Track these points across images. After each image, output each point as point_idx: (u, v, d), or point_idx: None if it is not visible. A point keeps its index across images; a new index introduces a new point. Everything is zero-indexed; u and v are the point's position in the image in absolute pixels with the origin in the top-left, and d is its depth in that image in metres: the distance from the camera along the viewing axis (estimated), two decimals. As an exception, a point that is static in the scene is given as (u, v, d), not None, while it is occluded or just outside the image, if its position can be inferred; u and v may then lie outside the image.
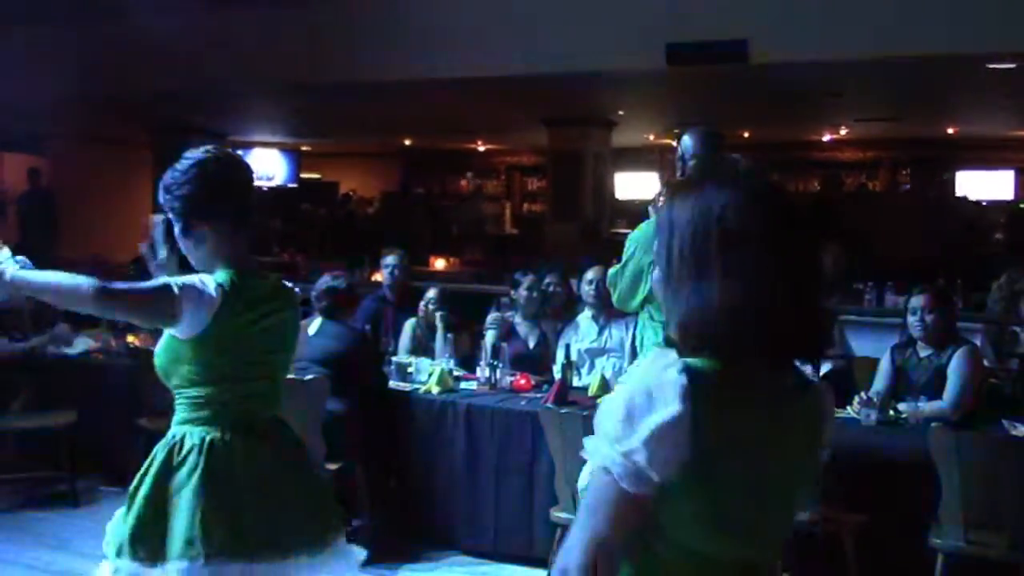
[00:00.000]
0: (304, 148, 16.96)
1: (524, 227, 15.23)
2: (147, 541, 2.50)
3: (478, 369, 5.57)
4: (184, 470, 2.52)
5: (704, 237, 1.47)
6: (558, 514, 4.29)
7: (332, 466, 4.85)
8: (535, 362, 5.88)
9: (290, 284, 2.80)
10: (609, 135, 11.94)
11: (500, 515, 5.01)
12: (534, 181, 16.41)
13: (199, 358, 2.53)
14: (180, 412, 2.60)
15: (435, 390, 5.26)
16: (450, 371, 5.47)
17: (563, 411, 4.30)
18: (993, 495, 3.84)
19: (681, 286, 1.48)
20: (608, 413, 1.44)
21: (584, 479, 1.57)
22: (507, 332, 6.07)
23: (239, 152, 13.53)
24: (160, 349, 2.60)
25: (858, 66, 7.88)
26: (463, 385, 5.48)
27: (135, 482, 2.58)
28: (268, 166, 15.75)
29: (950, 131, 12.43)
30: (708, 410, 1.41)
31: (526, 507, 4.93)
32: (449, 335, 5.78)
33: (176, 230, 2.64)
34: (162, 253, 2.79)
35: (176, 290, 2.46)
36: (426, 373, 5.48)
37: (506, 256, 12.24)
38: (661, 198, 3.89)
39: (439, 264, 11.55)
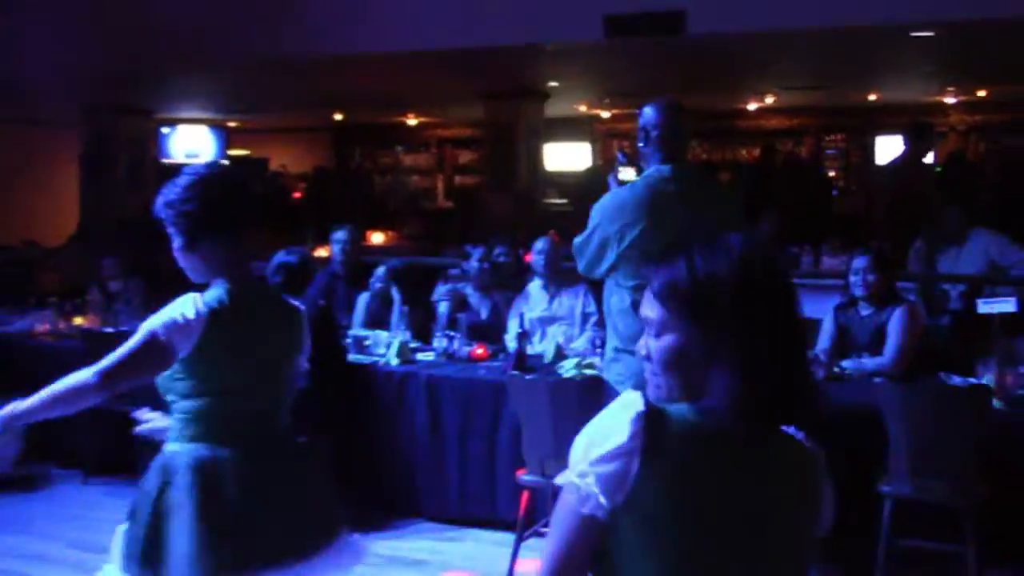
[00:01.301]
0: (231, 124, 16.73)
1: (458, 200, 15.29)
2: (149, 561, 2.55)
3: (434, 340, 5.68)
4: (177, 490, 2.56)
5: (747, 315, 1.52)
6: (525, 477, 4.42)
7: (296, 440, 4.91)
8: (488, 332, 6.00)
9: (295, 303, 2.85)
10: (542, 107, 12.04)
11: (464, 481, 5.14)
12: (466, 154, 16.45)
13: (194, 373, 2.57)
14: (174, 428, 2.64)
15: (394, 362, 5.36)
16: (407, 343, 5.56)
17: (528, 377, 4.43)
18: (935, 443, 4.07)
19: (722, 363, 1.52)
20: (575, 442, 1.55)
21: None
22: (460, 303, 6.18)
23: (168, 130, 13.26)
24: None
25: (789, 37, 8.09)
26: (420, 356, 5.58)
27: (135, 500, 2.63)
28: (195, 143, 15.52)
29: (872, 98, 12.80)
30: (661, 451, 1.49)
31: (489, 473, 5.07)
32: (404, 308, 5.86)
33: (177, 245, 2.65)
34: None
35: (163, 336, 2.50)
36: (384, 345, 5.57)
37: (443, 229, 12.31)
38: (620, 168, 4.02)
39: (377, 239, 11.57)
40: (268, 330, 2.71)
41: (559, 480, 1.55)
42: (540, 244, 5.98)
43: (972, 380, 4.55)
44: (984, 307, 4.71)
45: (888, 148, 13.03)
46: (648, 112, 3.66)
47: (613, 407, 1.55)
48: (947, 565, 4.25)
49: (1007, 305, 4.60)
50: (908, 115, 13.03)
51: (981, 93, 12.40)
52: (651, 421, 1.50)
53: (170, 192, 2.63)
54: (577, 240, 3.80)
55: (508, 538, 4.62)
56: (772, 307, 1.55)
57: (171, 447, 2.63)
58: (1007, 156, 12.81)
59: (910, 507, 4.19)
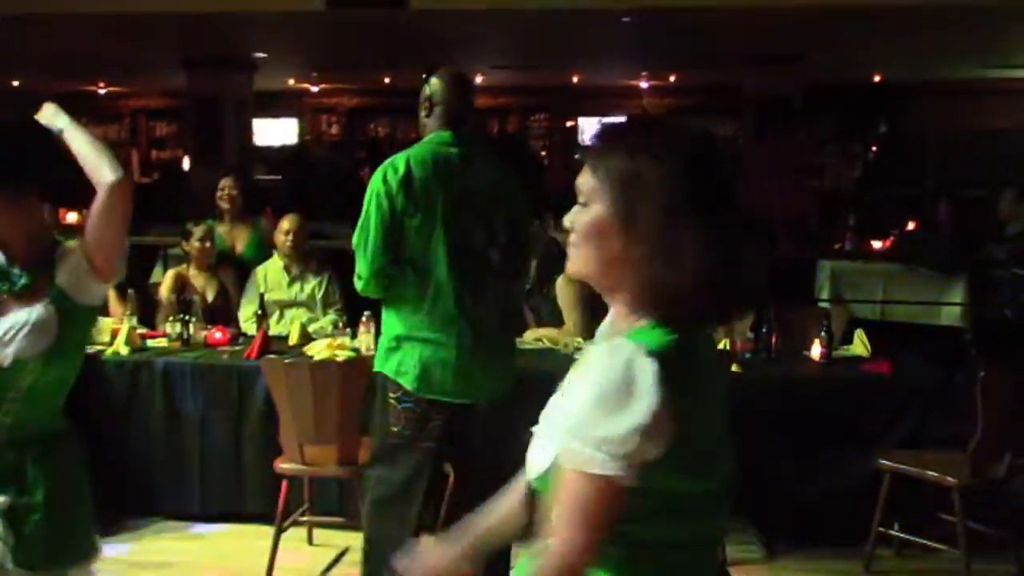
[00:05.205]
0: None
1: (157, 175, 14.39)
2: None
3: (166, 326, 5.27)
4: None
5: (679, 200, 1.45)
6: (283, 465, 4.21)
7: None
8: (217, 315, 5.65)
9: None
10: (251, 78, 11.56)
11: (206, 474, 4.81)
12: (163, 126, 15.50)
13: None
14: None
15: (124, 350, 4.91)
16: (135, 328, 5.12)
17: (287, 360, 4.22)
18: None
19: (643, 247, 1.46)
20: (583, 414, 1.42)
21: (536, 471, 1.55)
22: (182, 286, 5.78)
23: None
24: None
25: (509, 15, 8.26)
26: (151, 343, 5.16)
27: None
28: None
29: (575, 79, 13.34)
30: (678, 387, 1.41)
31: (235, 464, 4.79)
32: (130, 291, 5.38)
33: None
34: None
35: None
36: (108, 333, 5.10)
37: (143, 206, 11.51)
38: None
39: (71, 217, 10.60)
40: None
41: (568, 462, 1.42)
42: (287, 223, 5.67)
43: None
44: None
45: (590, 129, 13.71)
46: (434, 83, 3.48)
47: (615, 362, 1.41)
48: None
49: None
50: (605, 97, 13.78)
51: (672, 78, 13.28)
52: (664, 365, 1.40)
53: None
54: (355, 239, 3.47)
55: (259, 530, 4.41)
56: (702, 194, 1.47)
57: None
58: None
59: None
